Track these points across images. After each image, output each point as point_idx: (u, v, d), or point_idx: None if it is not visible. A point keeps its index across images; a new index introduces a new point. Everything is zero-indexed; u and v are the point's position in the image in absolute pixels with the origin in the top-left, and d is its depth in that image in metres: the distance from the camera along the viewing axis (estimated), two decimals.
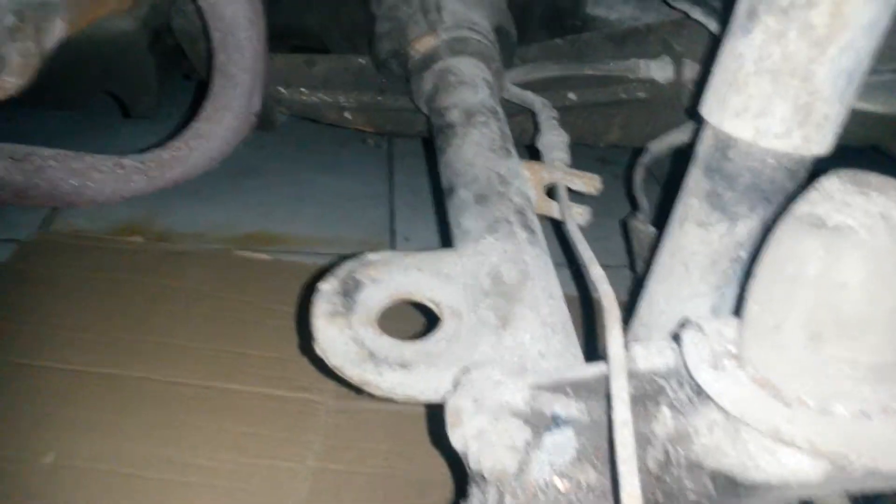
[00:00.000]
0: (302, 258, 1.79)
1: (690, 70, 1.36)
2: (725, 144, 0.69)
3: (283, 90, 1.39)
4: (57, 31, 0.96)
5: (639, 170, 1.27)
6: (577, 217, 1.06)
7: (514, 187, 0.96)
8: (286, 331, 1.53)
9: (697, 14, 1.19)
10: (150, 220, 1.92)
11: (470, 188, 0.96)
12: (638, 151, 1.26)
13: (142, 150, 1.03)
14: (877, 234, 0.44)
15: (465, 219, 0.92)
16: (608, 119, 1.50)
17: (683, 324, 0.57)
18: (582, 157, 1.22)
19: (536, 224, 0.92)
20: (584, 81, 1.44)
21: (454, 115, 1.10)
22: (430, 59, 1.21)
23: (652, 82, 1.42)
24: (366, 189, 2.18)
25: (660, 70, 1.39)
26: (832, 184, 0.48)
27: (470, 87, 1.15)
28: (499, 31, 1.34)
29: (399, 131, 1.50)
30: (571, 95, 1.44)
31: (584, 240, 0.83)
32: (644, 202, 1.31)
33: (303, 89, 1.40)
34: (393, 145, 2.35)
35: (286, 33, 1.67)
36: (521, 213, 0.91)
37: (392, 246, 1.96)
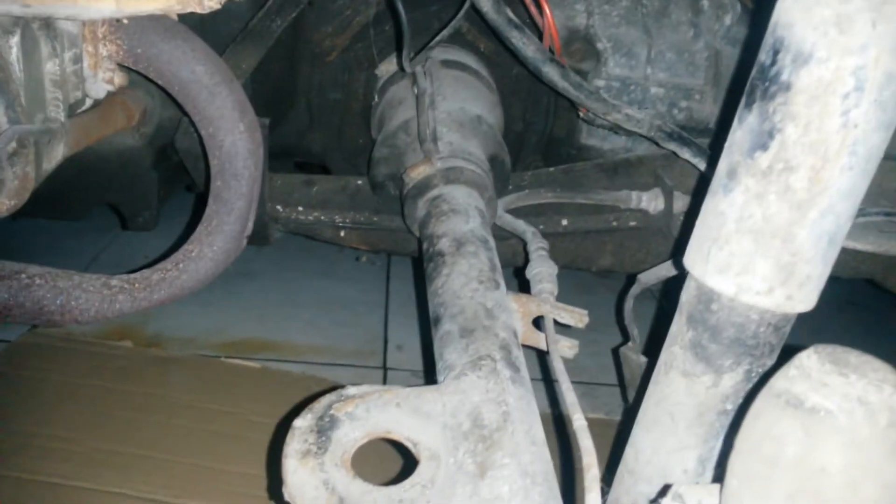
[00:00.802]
0: (292, 367, 1.76)
1: (681, 202, 1.38)
2: (709, 297, 0.69)
3: (280, 208, 1.41)
4: (58, 154, 0.98)
5: (629, 301, 1.27)
6: (564, 351, 1.04)
7: (500, 321, 0.95)
8: (266, 446, 1.49)
9: (686, 154, 1.22)
10: (142, 322, 1.91)
11: (455, 320, 0.95)
12: (631, 279, 1.26)
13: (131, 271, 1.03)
14: (856, 420, 0.43)
15: (449, 352, 0.90)
16: (600, 245, 1.52)
17: (664, 491, 0.54)
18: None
19: (521, 361, 0.90)
20: (576, 209, 1.47)
21: (444, 244, 1.10)
22: (424, 187, 1.23)
23: (643, 212, 1.44)
24: (361, 295, 2.20)
25: (651, 201, 1.41)
26: (810, 361, 0.47)
27: (462, 216, 1.16)
28: (494, 160, 1.38)
29: (393, 250, 1.51)
30: (564, 222, 1.46)
31: (568, 379, 0.82)
32: (635, 332, 1.30)
33: (300, 208, 1.42)
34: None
35: (290, 152, 1.72)
36: (506, 349, 0.89)
37: (384, 354, 1.95)
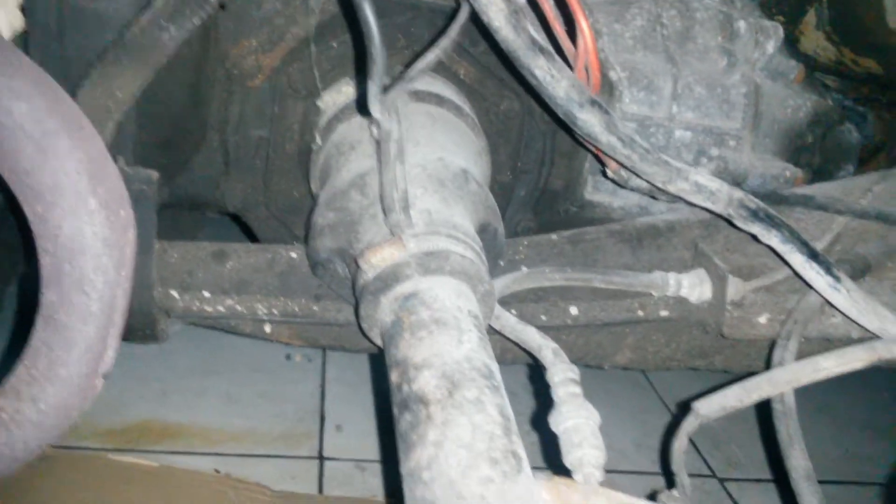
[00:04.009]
0: (201, 461, 1.47)
1: (735, 290, 1.02)
2: None
3: (176, 294, 0.99)
4: None
5: (680, 438, 0.89)
6: None
7: None
8: None
9: (774, 241, 0.86)
10: None
11: None
12: (683, 409, 0.89)
13: None
14: None
15: None
16: (617, 339, 1.14)
17: None
18: None
19: None
20: (590, 293, 1.09)
21: (428, 384, 0.70)
22: (391, 279, 0.83)
23: (681, 300, 1.07)
24: (291, 359, 1.88)
25: (694, 287, 1.05)
26: None
27: (451, 332, 0.76)
28: (484, 231, 0.99)
29: (341, 347, 1.10)
30: (574, 311, 1.08)
31: None
32: (685, 481, 0.93)
33: (206, 293, 1.00)
34: None
35: (198, 203, 1.28)
36: None
37: (320, 438, 1.62)
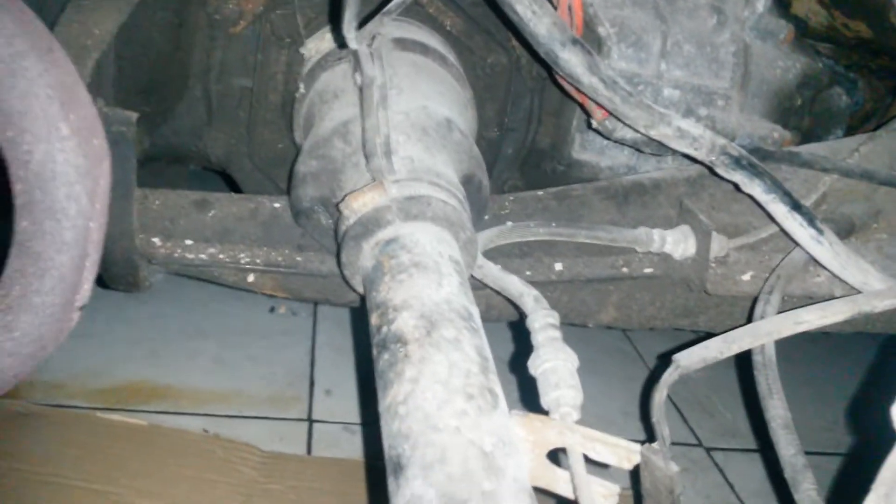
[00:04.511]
0: (190, 421, 1.46)
1: (719, 246, 1.02)
2: None
3: (158, 242, 0.98)
4: None
5: (660, 391, 0.89)
6: (598, 502, 0.66)
7: (507, 480, 0.56)
8: None
9: (756, 190, 0.86)
10: None
11: (432, 476, 0.55)
12: (664, 362, 0.89)
13: None
14: None
15: None
16: (602, 296, 1.14)
17: None
18: None
19: None
20: (573, 248, 1.09)
21: (406, 324, 0.70)
22: (373, 224, 0.82)
23: (665, 257, 1.07)
24: (283, 321, 1.85)
25: (678, 243, 1.05)
26: None
27: (431, 275, 0.76)
28: (468, 181, 0.98)
29: (324, 299, 1.09)
30: (558, 266, 1.08)
31: None
32: (665, 432, 0.93)
33: (188, 241, 0.99)
34: None
35: (181, 156, 1.27)
36: None
37: (310, 402, 1.61)
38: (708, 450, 1.73)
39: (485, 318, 1.13)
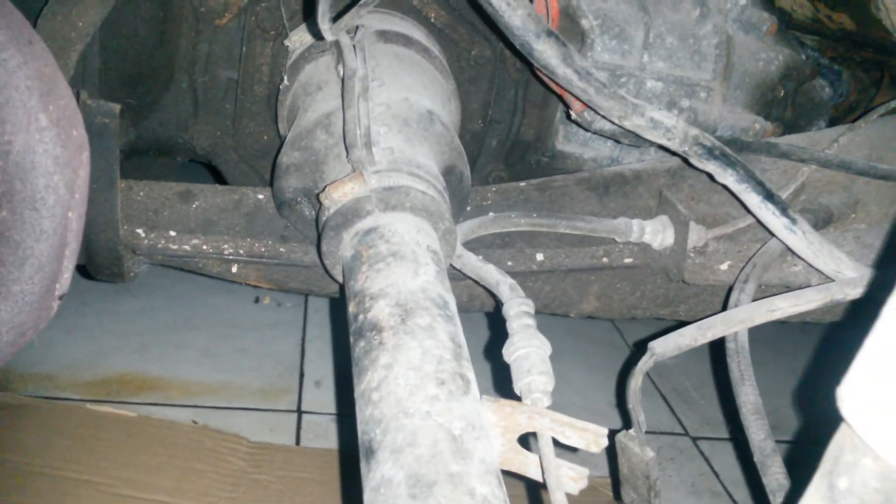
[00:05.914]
0: (179, 413, 1.46)
1: (696, 234, 1.03)
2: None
3: (141, 233, 0.99)
4: None
5: (636, 378, 0.91)
6: (568, 484, 0.67)
7: (475, 462, 0.57)
8: None
9: (729, 180, 0.87)
10: None
11: (401, 460, 0.57)
12: (639, 350, 0.90)
13: None
14: None
15: None
16: (583, 286, 1.16)
17: None
18: None
19: None
20: (555, 238, 1.10)
21: (382, 311, 0.71)
22: (352, 213, 0.83)
23: (644, 247, 1.08)
24: (272, 314, 1.84)
25: (656, 233, 1.06)
26: None
27: (408, 264, 0.77)
28: (449, 172, 0.99)
29: (307, 290, 1.10)
30: (539, 257, 1.09)
31: None
32: (641, 418, 0.94)
33: (172, 232, 1.00)
34: None
35: (167, 149, 1.27)
36: None
37: (299, 394, 1.62)
38: (694, 439, 1.75)
39: (467, 308, 1.15)
